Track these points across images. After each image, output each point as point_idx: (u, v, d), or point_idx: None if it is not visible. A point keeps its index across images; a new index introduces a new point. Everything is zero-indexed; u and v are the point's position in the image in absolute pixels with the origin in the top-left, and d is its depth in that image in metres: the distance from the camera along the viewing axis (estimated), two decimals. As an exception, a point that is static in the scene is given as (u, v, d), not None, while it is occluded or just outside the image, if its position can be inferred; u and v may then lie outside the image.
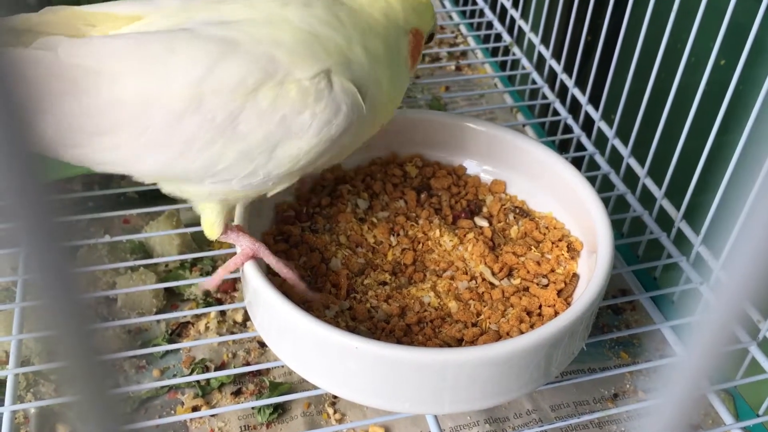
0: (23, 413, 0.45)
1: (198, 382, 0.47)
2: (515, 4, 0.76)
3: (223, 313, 0.51)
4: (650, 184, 0.57)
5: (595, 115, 0.63)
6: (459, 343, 0.42)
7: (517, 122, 0.69)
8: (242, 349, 0.50)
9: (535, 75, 0.71)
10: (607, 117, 0.62)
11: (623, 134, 0.60)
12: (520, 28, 0.74)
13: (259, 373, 0.49)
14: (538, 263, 0.46)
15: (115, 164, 0.36)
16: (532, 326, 0.43)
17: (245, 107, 0.35)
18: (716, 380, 0.48)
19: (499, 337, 0.42)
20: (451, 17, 0.82)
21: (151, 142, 0.35)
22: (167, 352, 0.49)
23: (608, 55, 0.59)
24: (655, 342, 0.52)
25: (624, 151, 0.59)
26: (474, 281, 0.46)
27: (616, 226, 0.56)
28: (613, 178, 0.60)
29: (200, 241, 0.55)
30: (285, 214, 0.49)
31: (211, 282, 0.45)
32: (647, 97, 0.55)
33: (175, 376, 0.48)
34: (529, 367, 0.39)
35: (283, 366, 0.46)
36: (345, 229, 0.48)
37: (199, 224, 0.47)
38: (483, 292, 0.45)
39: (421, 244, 0.48)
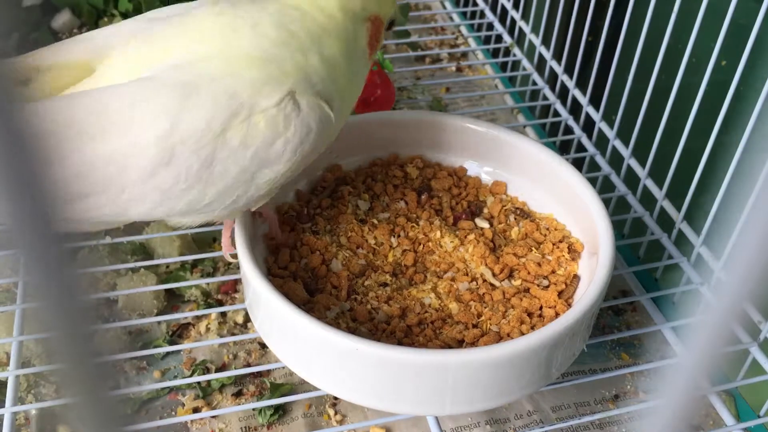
0: (24, 415, 0.45)
1: (199, 383, 0.47)
2: (516, 5, 0.76)
3: (223, 314, 0.51)
4: (651, 185, 0.57)
5: (596, 116, 0.63)
6: (460, 344, 0.42)
7: (517, 123, 0.69)
8: (243, 350, 0.50)
9: (535, 76, 0.71)
10: (608, 118, 0.62)
11: (624, 135, 0.60)
12: (520, 29, 0.74)
13: (259, 374, 0.49)
14: (539, 264, 0.46)
15: (102, 220, 0.36)
16: (532, 327, 0.43)
17: (216, 150, 0.35)
18: (717, 381, 0.48)
19: (499, 338, 0.42)
20: (451, 18, 0.82)
21: (132, 198, 0.35)
22: (168, 354, 0.49)
23: (609, 56, 0.59)
24: (656, 343, 0.52)
25: (625, 151, 0.59)
26: (475, 282, 0.46)
27: (617, 226, 0.56)
28: (614, 178, 0.60)
29: (201, 243, 0.55)
30: (286, 216, 0.49)
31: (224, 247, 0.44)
32: (648, 98, 0.55)
33: (175, 377, 0.48)
34: (529, 369, 0.39)
35: (283, 367, 0.46)
36: (346, 230, 0.48)
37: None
38: (484, 294, 0.45)
39: (421, 246, 0.48)
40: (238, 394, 0.47)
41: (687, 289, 0.52)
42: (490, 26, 0.79)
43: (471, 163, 0.53)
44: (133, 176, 0.34)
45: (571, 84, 0.66)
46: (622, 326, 0.53)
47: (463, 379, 0.38)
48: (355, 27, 0.39)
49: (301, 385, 0.48)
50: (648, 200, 0.57)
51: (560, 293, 0.45)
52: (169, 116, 0.34)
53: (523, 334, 0.42)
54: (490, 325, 0.43)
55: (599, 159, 0.62)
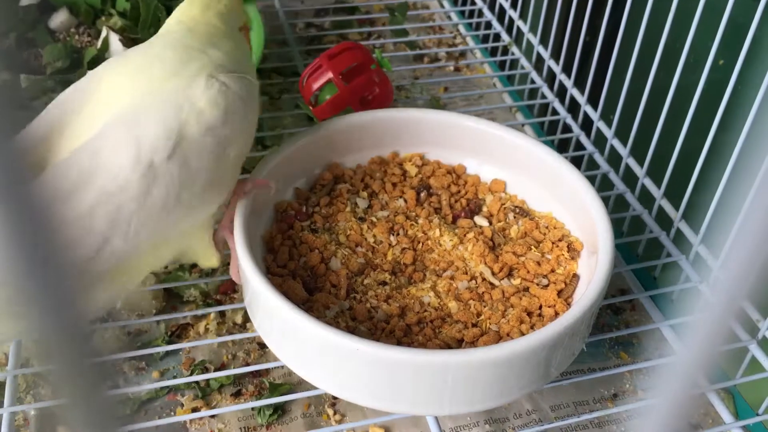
0: (23, 415, 0.45)
1: (198, 383, 0.47)
2: (514, 4, 0.76)
3: (222, 314, 0.51)
4: (649, 183, 0.57)
5: (594, 115, 0.63)
6: (459, 343, 0.42)
7: (516, 122, 0.69)
8: (242, 350, 0.50)
9: (534, 75, 0.71)
10: (606, 116, 0.62)
11: (622, 134, 0.60)
12: (518, 28, 0.74)
13: (258, 374, 0.49)
14: (538, 263, 0.46)
15: (125, 263, 0.39)
16: (532, 327, 0.43)
17: (185, 149, 0.38)
18: (716, 379, 0.48)
19: (499, 337, 0.42)
20: (449, 17, 0.82)
21: (141, 224, 0.38)
22: (167, 354, 0.49)
23: (607, 54, 0.59)
24: (654, 341, 0.52)
25: (623, 150, 0.59)
26: (474, 281, 0.46)
27: (616, 225, 0.56)
28: (613, 177, 0.60)
29: (199, 242, 0.55)
30: (284, 214, 0.49)
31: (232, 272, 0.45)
32: (646, 97, 0.55)
33: (174, 377, 0.48)
34: (529, 369, 0.39)
35: (282, 367, 0.46)
36: (344, 228, 0.48)
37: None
38: (483, 293, 0.45)
39: (420, 244, 0.48)
40: (237, 394, 0.47)
41: (686, 288, 0.52)
42: (488, 25, 0.79)
43: (470, 161, 0.53)
44: (132, 206, 0.37)
45: (569, 83, 0.67)
46: (620, 325, 0.53)
47: (463, 379, 0.38)
48: (233, 33, 0.44)
49: (300, 385, 0.48)
50: (646, 199, 0.57)
51: (560, 292, 0.45)
52: (130, 143, 0.37)
53: (522, 333, 0.42)
54: (490, 324, 0.43)
55: (598, 157, 0.62)
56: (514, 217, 0.50)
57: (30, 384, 0.47)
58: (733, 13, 0.47)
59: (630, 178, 0.59)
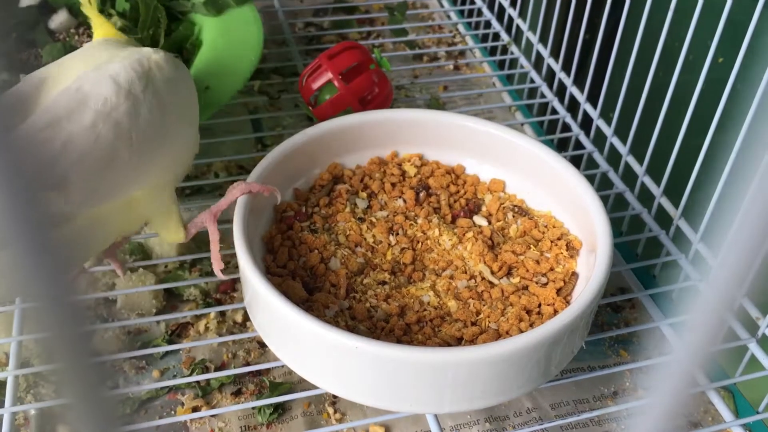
0: (23, 415, 0.45)
1: (198, 382, 0.47)
2: (513, 3, 0.76)
3: (222, 313, 0.51)
4: (649, 182, 0.57)
5: (594, 114, 0.63)
6: (458, 342, 0.42)
7: (515, 121, 0.69)
8: (242, 349, 0.50)
9: (533, 74, 0.71)
10: (606, 115, 0.62)
11: (622, 132, 0.60)
12: (518, 27, 0.74)
13: (259, 373, 0.49)
14: (537, 262, 0.46)
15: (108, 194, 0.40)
16: (531, 325, 0.43)
17: (155, 84, 0.41)
18: (716, 377, 0.48)
19: (498, 336, 0.42)
20: (449, 16, 0.82)
21: (139, 137, 0.40)
22: (167, 353, 0.49)
23: (606, 53, 0.59)
24: (654, 340, 0.52)
25: (622, 149, 0.59)
26: (473, 280, 0.46)
27: (615, 224, 0.56)
28: (612, 176, 0.60)
29: (199, 242, 0.55)
30: (284, 214, 0.49)
31: (215, 265, 0.46)
32: (645, 96, 0.55)
33: (175, 376, 0.48)
34: (529, 367, 0.39)
35: (283, 366, 0.46)
36: (344, 228, 0.48)
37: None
38: (482, 291, 0.45)
39: (420, 244, 0.48)
40: (237, 393, 0.48)
41: (685, 286, 0.52)
42: (488, 24, 0.79)
43: (469, 160, 0.53)
44: (127, 121, 0.40)
45: (568, 82, 0.67)
46: (620, 323, 0.53)
47: (463, 378, 0.38)
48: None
49: (301, 384, 0.48)
50: (646, 197, 0.57)
51: (559, 291, 0.45)
52: (107, 79, 0.40)
53: (521, 331, 0.42)
54: (489, 322, 0.43)
55: (597, 156, 0.62)
56: (513, 217, 0.50)
57: (30, 384, 0.47)
58: (732, 11, 0.47)
59: (629, 177, 0.59)
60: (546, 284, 0.45)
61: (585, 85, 0.64)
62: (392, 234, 0.48)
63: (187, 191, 0.60)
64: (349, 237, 0.48)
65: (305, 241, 0.47)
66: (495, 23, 0.78)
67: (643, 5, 0.54)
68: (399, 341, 0.42)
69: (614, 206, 0.59)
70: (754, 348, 0.48)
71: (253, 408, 0.47)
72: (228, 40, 0.63)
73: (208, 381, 0.48)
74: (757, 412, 0.47)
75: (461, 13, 0.82)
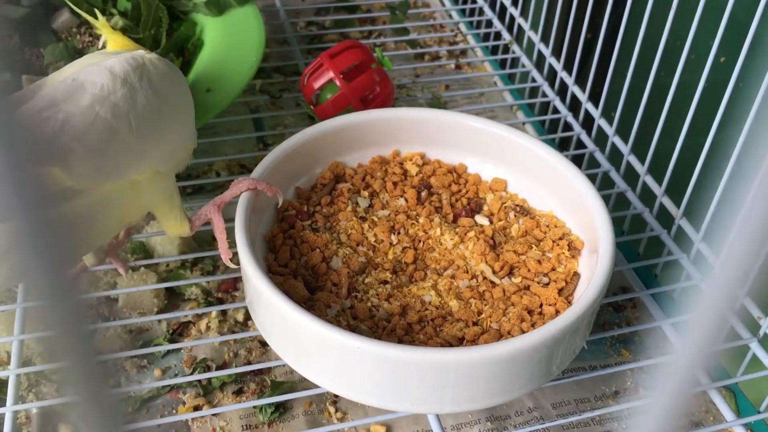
0: (25, 413, 0.45)
1: (199, 381, 0.47)
2: (515, 3, 0.76)
3: (224, 312, 0.52)
4: (650, 181, 0.57)
5: (595, 113, 0.63)
6: (460, 342, 0.42)
7: (517, 120, 0.69)
8: (243, 348, 0.50)
9: (535, 73, 0.71)
10: (607, 115, 0.62)
11: (623, 132, 0.60)
12: (519, 26, 0.74)
13: (260, 372, 0.49)
14: (539, 262, 0.46)
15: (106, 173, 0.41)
16: (533, 325, 0.43)
17: (149, 76, 0.42)
18: (717, 377, 0.48)
19: (500, 336, 0.42)
20: (450, 16, 0.82)
21: (138, 119, 0.40)
22: (168, 352, 0.50)
23: (608, 52, 0.59)
24: (656, 339, 0.52)
25: (624, 148, 0.59)
26: (475, 280, 0.46)
27: (617, 223, 0.56)
28: (614, 175, 0.60)
29: (201, 241, 0.55)
30: (286, 213, 0.49)
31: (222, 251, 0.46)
32: (647, 95, 0.55)
33: (176, 375, 0.48)
34: (530, 367, 0.39)
35: (284, 365, 0.46)
36: (345, 227, 0.48)
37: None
38: (484, 291, 0.45)
39: (421, 243, 0.48)
40: (238, 392, 0.48)
41: (687, 286, 0.52)
42: (489, 23, 0.79)
43: (471, 160, 0.53)
44: (125, 104, 0.40)
45: (570, 81, 0.66)
46: (622, 323, 0.53)
47: (464, 378, 0.38)
48: None
49: (302, 383, 0.48)
50: (647, 197, 0.57)
51: (560, 291, 0.45)
52: (104, 71, 0.40)
53: (523, 331, 0.42)
54: (491, 322, 0.43)
55: (598, 155, 0.62)
56: (515, 216, 0.50)
57: (32, 382, 0.47)
58: (734, 10, 0.46)
59: (631, 176, 0.59)
60: (548, 284, 0.45)
61: (586, 85, 0.64)
62: (394, 233, 0.48)
63: (189, 190, 0.60)
64: (350, 236, 0.48)
65: (307, 240, 0.47)
66: (496, 22, 0.78)
67: (645, 4, 0.54)
68: (400, 341, 0.42)
69: (616, 205, 0.59)
70: (755, 347, 0.48)
71: (255, 407, 0.47)
72: (230, 40, 0.63)
73: (209, 380, 0.48)
74: (759, 412, 0.47)
75: (463, 12, 0.82)
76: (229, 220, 0.46)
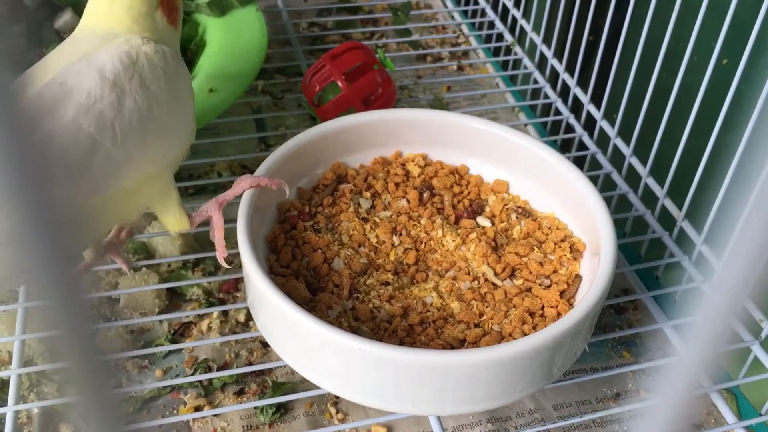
0: (26, 413, 0.45)
1: (200, 382, 0.47)
2: (517, 4, 0.76)
3: (225, 313, 0.52)
4: (652, 183, 0.57)
5: (597, 115, 0.63)
6: (461, 344, 0.42)
7: (519, 122, 0.69)
8: (245, 349, 0.50)
9: (536, 75, 0.71)
10: (609, 116, 0.62)
11: (625, 134, 0.60)
12: (521, 27, 0.74)
13: (261, 373, 0.49)
14: (541, 264, 0.46)
15: (104, 184, 0.40)
16: (534, 327, 0.43)
17: (141, 75, 0.41)
18: (719, 379, 0.48)
19: (501, 338, 0.42)
20: (452, 17, 0.82)
21: (125, 129, 0.40)
22: (170, 352, 0.50)
23: (610, 54, 0.59)
24: (657, 341, 0.52)
25: (626, 150, 0.59)
26: (476, 282, 0.46)
27: (619, 225, 0.56)
28: (615, 177, 0.60)
29: (202, 242, 0.55)
30: (287, 214, 0.49)
31: (219, 251, 0.46)
32: (649, 97, 0.55)
33: (177, 376, 0.48)
34: (531, 369, 0.39)
35: (285, 366, 0.46)
36: (347, 228, 0.48)
37: (201, 225, 0.47)
38: (485, 293, 0.45)
39: (423, 244, 0.48)
40: (239, 393, 0.48)
41: (688, 288, 0.52)
42: (491, 25, 0.79)
43: (473, 161, 0.53)
44: (110, 113, 0.39)
45: (572, 82, 0.66)
46: (623, 325, 0.53)
47: (465, 380, 0.38)
48: (146, 17, 0.43)
49: (303, 384, 0.48)
50: (649, 199, 0.57)
51: (562, 293, 0.45)
52: (92, 71, 0.40)
53: (525, 334, 0.42)
54: (492, 324, 0.43)
55: (600, 157, 0.62)
56: (517, 218, 0.50)
57: (33, 382, 0.47)
58: (737, 11, 0.46)
59: (633, 178, 0.59)
60: (549, 286, 0.45)
61: (588, 86, 0.64)
62: (396, 234, 0.48)
63: (191, 190, 0.60)
64: (352, 237, 0.48)
65: (309, 241, 0.47)
66: (499, 24, 0.78)
67: (648, 6, 0.54)
68: (402, 342, 0.42)
69: (617, 207, 0.59)
70: (757, 350, 0.48)
71: (256, 408, 0.47)
72: (232, 40, 0.63)
73: (210, 380, 0.48)
74: (760, 414, 0.47)
75: (465, 13, 0.82)
76: (231, 220, 0.46)
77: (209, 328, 0.51)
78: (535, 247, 0.48)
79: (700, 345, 0.13)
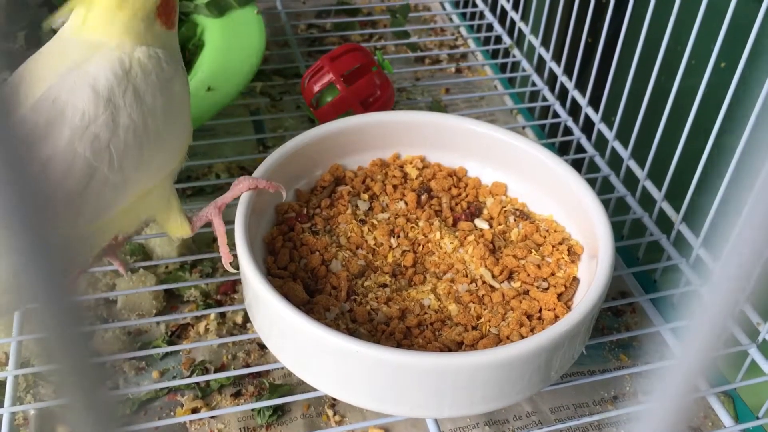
0: (23, 415, 0.45)
1: (198, 383, 0.47)
2: (515, 7, 0.76)
3: (222, 314, 0.51)
4: (650, 186, 0.57)
5: (595, 117, 0.63)
6: (459, 346, 0.42)
7: (517, 124, 0.69)
8: (242, 350, 0.50)
9: (535, 77, 0.71)
10: (607, 119, 0.62)
11: (623, 136, 0.60)
12: (520, 30, 0.75)
13: (258, 374, 0.49)
14: (539, 266, 0.46)
15: (103, 209, 0.40)
16: (532, 330, 0.43)
17: (135, 86, 0.40)
18: (716, 382, 0.48)
19: (499, 340, 0.42)
20: (451, 19, 0.82)
21: (120, 150, 0.39)
22: (167, 354, 0.49)
23: (608, 57, 0.59)
24: (655, 344, 0.52)
25: (624, 153, 0.59)
26: (474, 284, 0.46)
27: (616, 228, 0.56)
28: (613, 180, 0.60)
29: (200, 243, 0.55)
30: (285, 215, 0.49)
31: (223, 256, 0.46)
32: (647, 100, 0.55)
33: (174, 377, 0.48)
34: (529, 372, 0.39)
35: (282, 368, 0.46)
36: (345, 230, 0.48)
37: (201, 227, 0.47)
38: (483, 295, 0.45)
39: (421, 246, 0.48)
40: (237, 395, 0.47)
41: (686, 291, 0.52)
42: (490, 27, 0.79)
43: (471, 163, 0.53)
44: (106, 134, 0.39)
45: (570, 85, 0.67)
46: (621, 327, 0.53)
47: (463, 383, 0.38)
48: (139, 24, 0.42)
49: (300, 386, 0.48)
50: (647, 201, 0.57)
51: (560, 296, 0.45)
52: (85, 86, 0.39)
53: (522, 336, 0.42)
54: (490, 327, 0.43)
55: (598, 160, 0.62)
56: (515, 220, 0.50)
57: (30, 383, 0.47)
58: (735, 14, 0.47)
59: (631, 181, 0.59)
60: (547, 289, 0.45)
61: (587, 89, 0.64)
62: (393, 236, 0.48)
63: (189, 192, 0.60)
64: (350, 239, 0.48)
65: (306, 243, 0.47)
66: (497, 26, 0.78)
67: (646, 9, 0.54)
68: (399, 345, 0.42)
69: (615, 210, 0.59)
70: (754, 353, 0.48)
71: (253, 410, 0.47)
72: (230, 41, 0.63)
73: (207, 382, 0.47)
74: (757, 418, 0.47)
75: (463, 15, 0.83)
76: (229, 222, 0.46)
77: (206, 330, 0.51)
78: (533, 250, 0.48)
79: (696, 349, 0.13)
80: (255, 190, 0.45)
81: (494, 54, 0.78)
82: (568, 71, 0.67)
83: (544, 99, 0.69)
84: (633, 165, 0.59)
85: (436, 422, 0.43)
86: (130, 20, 0.41)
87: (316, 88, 0.58)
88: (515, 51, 0.75)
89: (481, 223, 0.50)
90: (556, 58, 0.69)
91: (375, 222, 0.49)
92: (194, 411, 0.46)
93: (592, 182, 0.58)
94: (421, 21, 0.82)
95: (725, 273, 0.13)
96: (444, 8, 0.83)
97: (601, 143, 0.63)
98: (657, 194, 0.56)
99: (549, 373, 0.41)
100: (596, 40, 0.61)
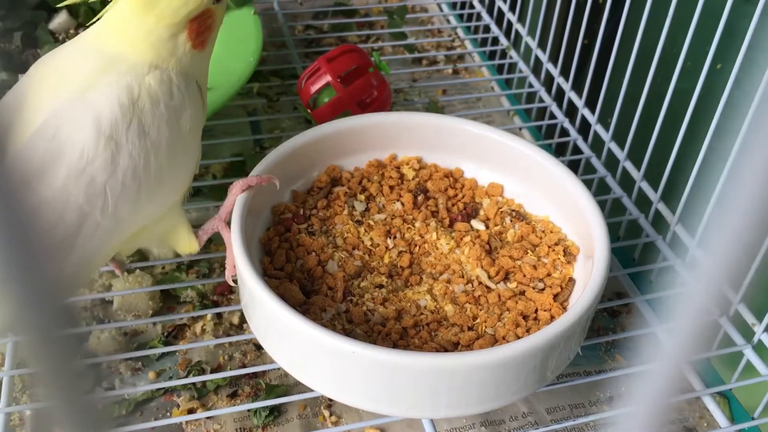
0: (18, 415, 0.45)
1: (194, 384, 0.47)
2: (512, 8, 0.76)
3: (219, 315, 0.51)
4: (646, 187, 0.57)
5: (592, 119, 0.63)
6: (455, 346, 0.42)
7: (513, 125, 0.69)
8: (238, 351, 0.50)
9: (532, 78, 0.71)
10: (604, 120, 0.62)
11: (619, 138, 0.60)
12: (517, 31, 0.75)
13: (255, 375, 0.49)
14: (535, 267, 0.47)
15: (106, 240, 0.40)
16: (528, 330, 0.43)
17: (142, 119, 0.39)
18: (711, 383, 0.48)
19: (495, 341, 0.42)
20: (448, 20, 0.82)
21: (116, 195, 0.39)
22: (163, 355, 0.49)
23: (605, 58, 0.60)
24: (651, 345, 0.52)
25: (620, 154, 0.59)
26: (470, 285, 0.46)
27: (612, 229, 0.56)
28: (610, 181, 0.60)
29: (197, 244, 0.55)
30: (282, 216, 0.49)
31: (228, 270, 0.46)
32: (643, 101, 0.56)
33: (170, 378, 0.48)
34: (525, 372, 0.39)
35: (279, 368, 0.46)
36: (341, 231, 0.48)
37: (196, 225, 0.47)
38: (479, 296, 0.45)
39: (417, 247, 0.48)
40: (233, 395, 0.47)
41: (681, 292, 0.52)
42: (487, 29, 0.79)
43: (467, 164, 0.53)
44: (103, 177, 0.38)
45: (567, 86, 0.67)
46: (617, 328, 0.54)
47: (459, 383, 0.38)
48: (166, 41, 0.40)
49: (296, 387, 0.48)
50: (643, 203, 0.57)
51: (555, 296, 0.45)
52: (87, 119, 0.38)
53: (518, 337, 0.42)
54: (486, 327, 0.43)
55: (595, 161, 0.62)
56: (511, 221, 0.50)
57: (26, 384, 0.47)
58: (730, 16, 0.47)
59: (627, 182, 0.59)
60: (543, 290, 0.45)
61: (583, 90, 0.64)
62: (390, 237, 0.48)
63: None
64: (346, 240, 0.48)
65: (303, 244, 0.47)
66: (494, 27, 0.78)
67: (642, 11, 0.54)
68: (395, 345, 0.42)
69: (611, 211, 0.59)
70: (749, 354, 0.48)
71: (249, 410, 0.47)
72: (227, 41, 0.63)
73: (203, 383, 0.48)
74: (753, 418, 0.47)
75: (460, 17, 0.83)
76: (226, 223, 0.46)
77: (203, 331, 0.51)
78: (529, 251, 0.48)
79: (675, 348, 0.13)
80: (249, 189, 0.45)
81: (491, 55, 0.78)
82: (564, 73, 0.68)
83: (541, 100, 0.70)
84: (629, 166, 0.59)
85: (432, 423, 0.43)
86: (155, 30, 0.39)
87: (313, 89, 0.58)
88: (512, 52, 0.75)
89: (477, 224, 0.50)
90: (553, 59, 0.69)
91: (371, 223, 0.49)
92: (190, 411, 0.46)
93: (588, 183, 0.58)
94: (418, 22, 0.82)
95: (704, 272, 0.13)
96: (441, 10, 0.83)
97: (597, 144, 0.63)
98: (653, 195, 0.56)
99: (545, 373, 0.41)
100: (593, 42, 0.61)
